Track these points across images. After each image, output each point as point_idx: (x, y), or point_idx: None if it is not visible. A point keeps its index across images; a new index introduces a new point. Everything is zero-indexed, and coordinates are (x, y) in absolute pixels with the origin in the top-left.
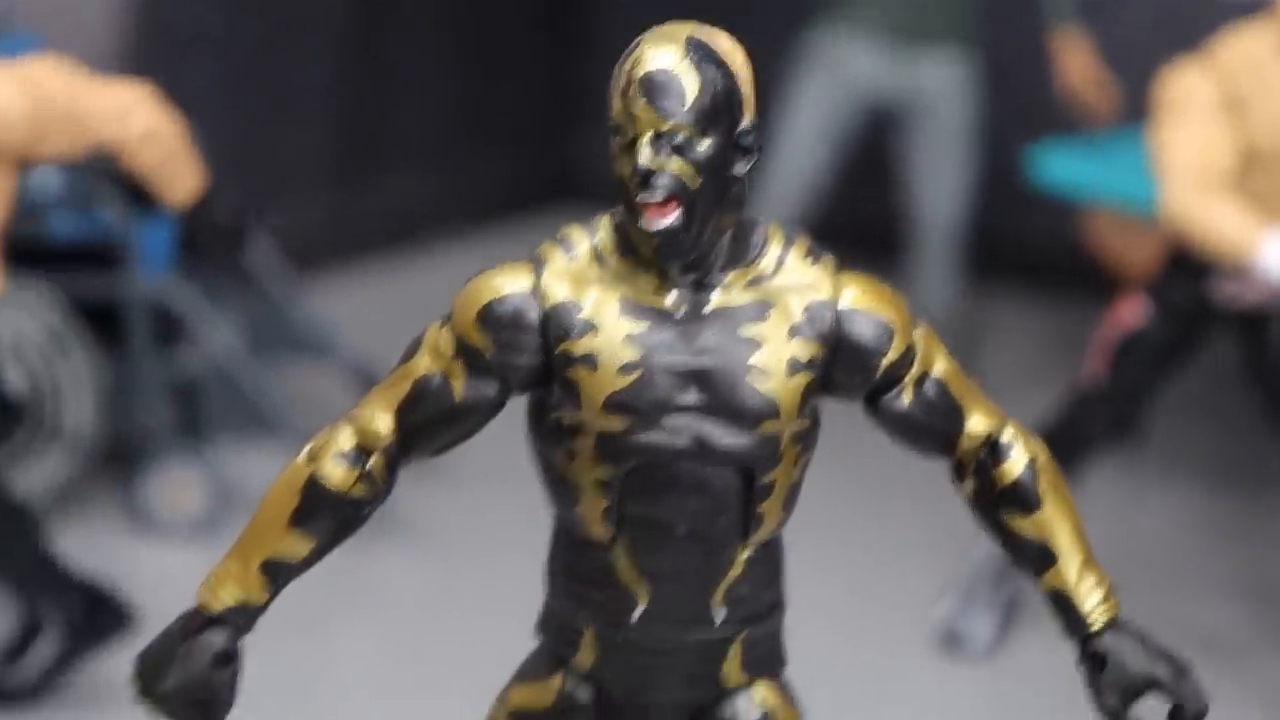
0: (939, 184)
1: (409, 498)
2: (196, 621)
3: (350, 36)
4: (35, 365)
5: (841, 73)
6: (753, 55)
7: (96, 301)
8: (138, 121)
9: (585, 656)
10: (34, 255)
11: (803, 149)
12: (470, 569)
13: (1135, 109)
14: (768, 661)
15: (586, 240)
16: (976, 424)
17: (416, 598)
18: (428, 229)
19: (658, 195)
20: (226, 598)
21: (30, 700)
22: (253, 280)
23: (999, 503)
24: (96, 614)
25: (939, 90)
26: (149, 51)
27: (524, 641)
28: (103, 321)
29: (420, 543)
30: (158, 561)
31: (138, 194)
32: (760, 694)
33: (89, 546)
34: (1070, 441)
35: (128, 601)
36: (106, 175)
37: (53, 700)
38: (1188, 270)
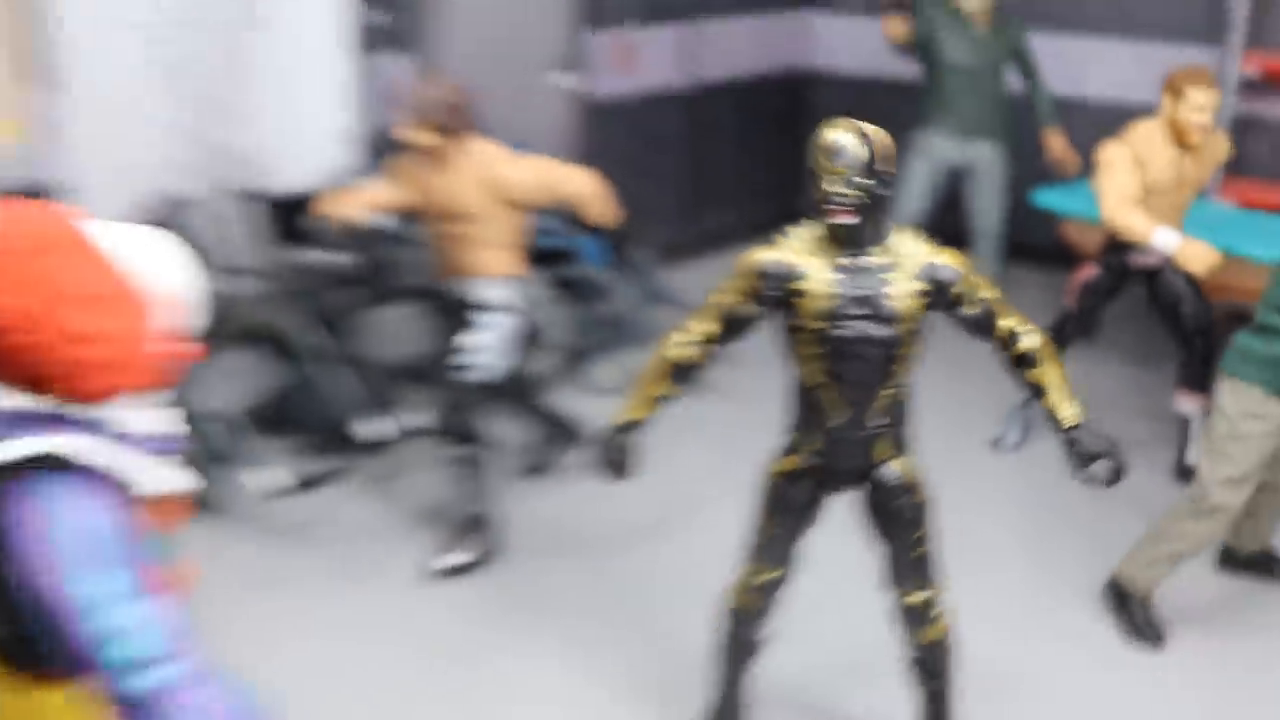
0: (987, 212)
1: (717, 372)
2: (617, 425)
3: (686, 138)
4: (537, 315)
5: (932, 153)
6: (892, 137)
7: (567, 279)
8: (583, 185)
9: (810, 444)
10: (535, 256)
11: (914, 195)
12: (750, 407)
13: (1087, 170)
14: (901, 447)
15: (805, 233)
16: (1006, 322)
17: (722, 425)
18: (729, 242)
19: (837, 206)
20: (631, 415)
21: (537, 476)
22: (638, 266)
23: (1018, 364)
24: (565, 432)
25: (988, 161)
26: (591, 151)
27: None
28: (570, 289)
29: (725, 395)
30: (596, 409)
31: (584, 223)
32: (899, 462)
33: (562, 403)
34: (1057, 340)
35: (580, 425)
36: (570, 215)
37: (545, 477)
38: (1117, 248)
